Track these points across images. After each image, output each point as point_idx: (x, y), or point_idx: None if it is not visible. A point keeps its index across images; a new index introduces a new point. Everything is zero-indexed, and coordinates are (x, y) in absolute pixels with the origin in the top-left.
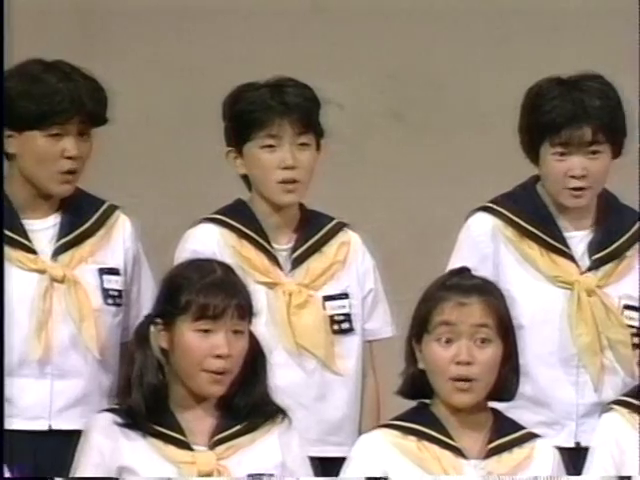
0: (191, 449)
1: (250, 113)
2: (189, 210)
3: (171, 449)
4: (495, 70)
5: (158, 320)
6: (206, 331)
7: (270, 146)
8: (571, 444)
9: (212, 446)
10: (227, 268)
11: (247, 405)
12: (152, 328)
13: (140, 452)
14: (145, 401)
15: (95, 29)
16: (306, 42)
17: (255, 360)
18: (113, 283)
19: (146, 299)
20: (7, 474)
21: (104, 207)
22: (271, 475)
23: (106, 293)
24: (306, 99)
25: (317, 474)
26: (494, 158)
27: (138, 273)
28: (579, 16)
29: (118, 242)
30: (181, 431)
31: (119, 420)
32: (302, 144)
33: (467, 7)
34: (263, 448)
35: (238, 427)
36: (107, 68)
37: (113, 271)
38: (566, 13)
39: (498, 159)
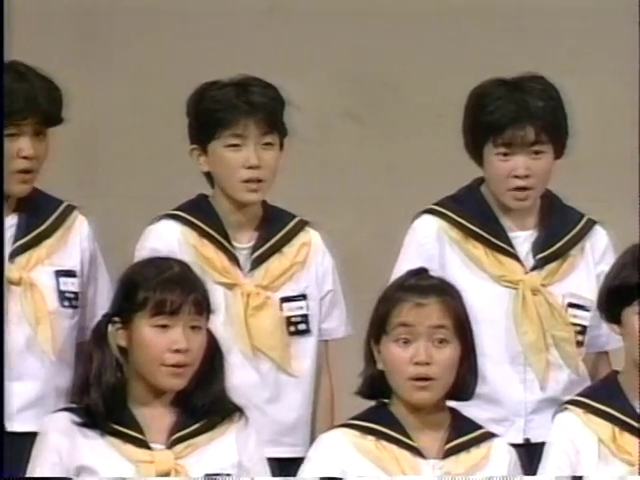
0: (149, 448)
1: (215, 112)
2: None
3: (129, 448)
4: (451, 71)
5: (116, 318)
6: (164, 326)
7: (235, 145)
8: (520, 440)
9: (170, 445)
10: (184, 265)
11: (205, 403)
12: (110, 327)
13: (98, 451)
14: (104, 400)
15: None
16: (263, 42)
17: (213, 358)
18: (69, 285)
19: (103, 299)
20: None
21: (62, 208)
22: (228, 475)
23: (62, 295)
24: (271, 99)
25: (272, 474)
26: (451, 158)
27: (94, 274)
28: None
29: (75, 243)
30: (139, 429)
31: (77, 419)
32: (266, 144)
33: (423, 8)
34: (221, 447)
35: (196, 426)
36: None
37: (70, 273)
38: (523, 13)
39: (455, 159)
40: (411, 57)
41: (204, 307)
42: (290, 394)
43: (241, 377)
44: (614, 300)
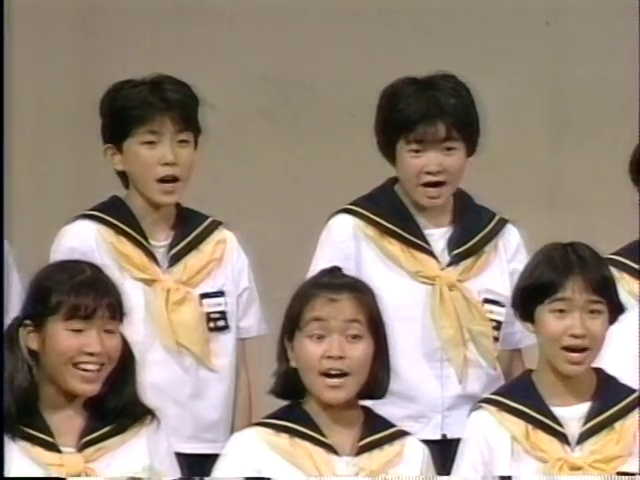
0: (59, 451)
1: (130, 109)
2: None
3: (39, 451)
4: (364, 71)
5: (28, 322)
6: (78, 330)
7: (150, 142)
8: (437, 436)
9: (81, 448)
10: (96, 268)
11: (117, 406)
12: (21, 330)
13: (9, 454)
14: (16, 403)
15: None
16: (175, 42)
17: (125, 361)
18: None
19: (14, 303)
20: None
21: None
22: (139, 478)
23: None
24: (186, 96)
25: (190, 470)
26: (363, 158)
27: (7, 278)
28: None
29: None
30: (50, 433)
31: None
32: (182, 141)
33: (338, 7)
34: (131, 450)
35: (107, 429)
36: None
37: None
38: (434, 13)
39: (367, 159)
40: (324, 56)
41: (118, 310)
42: (211, 390)
43: (163, 373)
44: (527, 299)
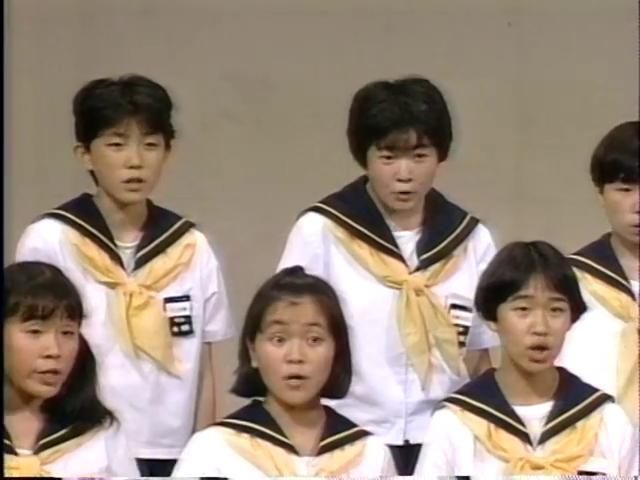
0: (15, 453)
1: (99, 110)
2: None
3: None
4: (328, 71)
5: None
6: (35, 332)
7: (117, 144)
8: (400, 442)
9: (37, 450)
10: (55, 270)
11: (75, 409)
12: None
13: None
14: None
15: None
16: (139, 42)
17: (84, 363)
18: None
19: None
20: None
21: None
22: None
23: None
24: (156, 99)
25: (150, 475)
26: (328, 157)
27: None
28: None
29: None
30: (6, 435)
31: None
32: (150, 144)
33: (302, 7)
34: (89, 452)
35: (64, 431)
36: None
37: None
38: (400, 13)
39: (332, 158)
40: (288, 57)
41: (76, 312)
42: (172, 395)
43: (123, 377)
44: (490, 297)
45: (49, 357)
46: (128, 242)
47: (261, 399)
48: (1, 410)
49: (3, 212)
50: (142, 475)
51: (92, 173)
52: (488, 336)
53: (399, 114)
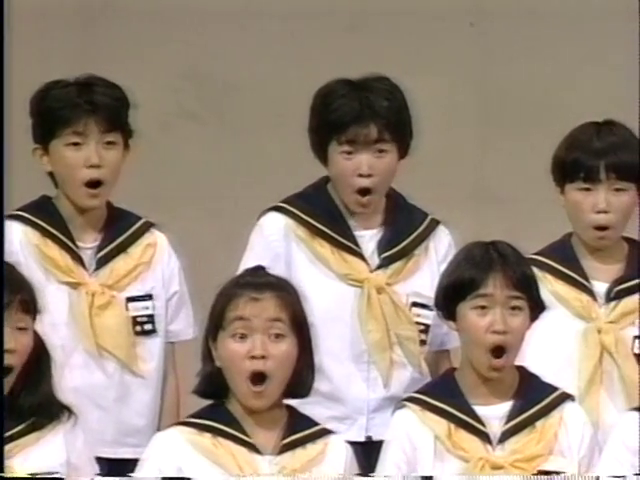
0: None
1: (56, 110)
2: None
3: None
4: (291, 71)
5: None
6: None
7: (75, 144)
8: (362, 438)
9: None
10: (9, 266)
11: (32, 405)
12: None
13: None
14: None
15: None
16: (100, 42)
17: (39, 359)
18: None
19: None
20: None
21: None
22: (55, 473)
23: None
24: (114, 99)
25: (114, 475)
26: (291, 157)
27: None
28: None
29: None
30: None
31: None
32: (108, 143)
33: (263, 7)
34: (48, 447)
35: (22, 426)
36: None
37: None
38: (363, 13)
39: (294, 158)
40: (251, 56)
41: (31, 307)
42: (136, 395)
43: (87, 377)
44: (450, 296)
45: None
46: (89, 243)
47: (223, 399)
48: (1, 410)
49: (3, 212)
50: (106, 474)
51: (51, 175)
52: (449, 336)
53: (359, 109)
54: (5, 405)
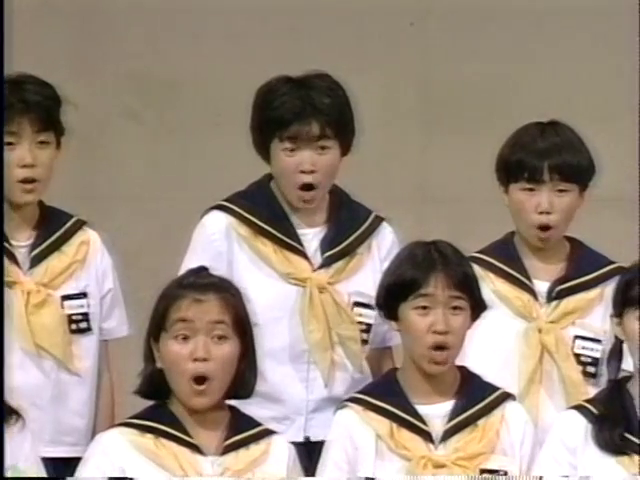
0: None
1: None
2: None
3: None
4: (231, 70)
5: None
6: None
7: (9, 144)
8: (300, 439)
9: None
10: None
11: None
12: None
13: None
14: None
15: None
16: (40, 41)
17: None
18: None
19: None
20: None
21: None
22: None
23: None
24: (46, 97)
25: (54, 474)
26: (231, 156)
27: None
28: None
29: None
30: None
31: None
32: (42, 142)
33: (206, 6)
34: None
35: None
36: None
37: None
38: (307, 11)
39: (234, 158)
40: (190, 55)
41: None
42: (72, 393)
43: (24, 376)
44: (391, 296)
45: None
46: (22, 241)
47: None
48: (1, 410)
49: (3, 212)
50: (46, 474)
51: None
52: (391, 334)
53: (301, 106)
54: None
